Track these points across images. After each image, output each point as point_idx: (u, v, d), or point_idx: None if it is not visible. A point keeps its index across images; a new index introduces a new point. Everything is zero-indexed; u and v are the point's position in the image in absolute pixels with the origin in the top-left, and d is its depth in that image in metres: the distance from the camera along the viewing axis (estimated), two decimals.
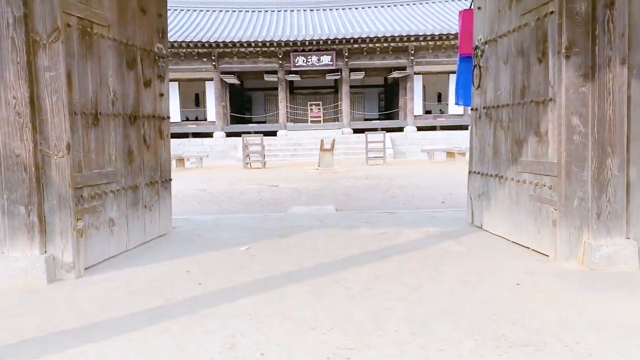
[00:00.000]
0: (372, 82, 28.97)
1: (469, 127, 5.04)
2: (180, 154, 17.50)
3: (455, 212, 5.88)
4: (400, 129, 23.29)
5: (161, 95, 4.81)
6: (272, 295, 2.88)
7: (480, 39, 4.65)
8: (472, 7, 5.70)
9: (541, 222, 3.63)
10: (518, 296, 2.76)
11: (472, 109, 4.94)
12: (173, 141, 22.10)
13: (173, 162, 16.70)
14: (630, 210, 3.30)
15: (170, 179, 5.08)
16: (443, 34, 21.19)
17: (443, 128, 23.82)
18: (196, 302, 2.81)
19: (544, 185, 3.58)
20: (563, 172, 3.29)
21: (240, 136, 23.61)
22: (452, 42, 21.97)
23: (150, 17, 4.56)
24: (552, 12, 3.42)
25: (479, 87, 4.67)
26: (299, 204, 7.59)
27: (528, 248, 3.82)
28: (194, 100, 28.24)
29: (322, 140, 14.19)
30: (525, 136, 3.86)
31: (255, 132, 23.85)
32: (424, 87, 24.84)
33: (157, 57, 4.69)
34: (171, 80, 23.87)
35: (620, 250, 3.21)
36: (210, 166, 18.39)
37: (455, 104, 6.09)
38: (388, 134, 21.27)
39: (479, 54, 4.66)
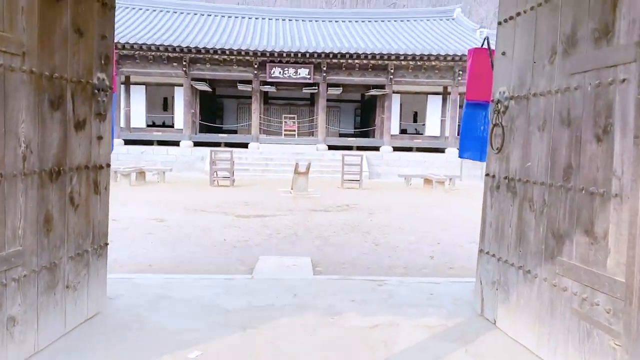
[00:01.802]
0: (349, 97, 28.25)
1: (483, 195, 4.16)
2: (141, 167, 16.23)
3: (454, 284, 4.98)
4: (376, 148, 22.56)
5: (100, 138, 3.76)
6: None
7: (504, 92, 3.78)
8: (484, 46, 4.88)
9: (591, 351, 2.75)
10: None
11: (487, 174, 4.06)
12: (135, 148, 20.88)
13: (133, 176, 15.50)
14: None
15: (107, 244, 4.02)
16: (424, 55, 20.59)
17: (419, 150, 23.21)
18: None
19: (597, 304, 2.70)
20: (635, 301, 2.41)
21: (209, 146, 22.52)
22: (433, 63, 21.47)
23: (89, 40, 3.52)
24: (623, 80, 2.56)
25: (500, 151, 3.80)
26: (269, 251, 6.61)
27: None
28: (163, 104, 26.90)
29: (297, 163, 13.23)
30: (568, 230, 2.99)
31: (226, 144, 22.78)
32: (400, 105, 24.21)
33: (96, 90, 3.64)
34: (138, 83, 22.65)
35: None
36: (174, 180, 17.17)
37: (460, 157, 5.22)
38: (364, 153, 20.52)
39: (501, 109, 3.80)
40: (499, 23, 3.97)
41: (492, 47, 4.72)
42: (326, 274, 5.54)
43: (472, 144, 4.95)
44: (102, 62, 3.72)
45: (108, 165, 3.96)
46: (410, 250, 7.04)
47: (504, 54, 3.85)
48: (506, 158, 3.75)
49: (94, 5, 3.55)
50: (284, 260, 6.08)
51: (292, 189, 13.92)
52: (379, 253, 6.83)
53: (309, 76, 21.84)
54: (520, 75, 3.58)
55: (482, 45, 4.92)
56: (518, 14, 3.64)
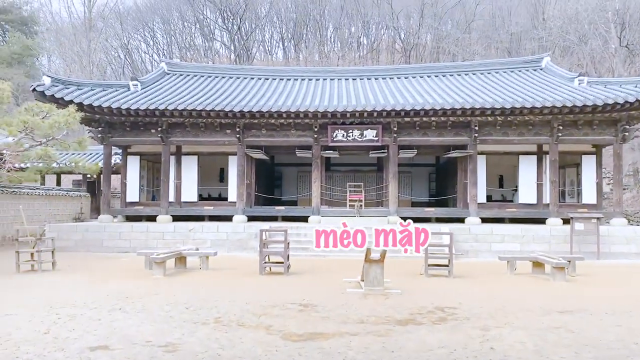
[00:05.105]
0: (422, 161, 25.13)
1: None
2: (180, 251, 13.58)
3: None
4: (460, 220, 19.00)
5: None
6: None
7: None
8: None
9: None
10: None
11: None
12: (183, 225, 18.47)
13: (171, 262, 12.95)
14: None
15: None
16: (516, 108, 17.26)
17: (512, 221, 19.38)
18: None
19: None
20: None
21: (265, 221, 19.84)
22: (526, 118, 18.11)
23: None
24: None
25: None
26: None
27: None
28: (219, 175, 24.94)
29: (368, 249, 10.04)
30: None
31: (283, 217, 20.07)
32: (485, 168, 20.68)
33: None
34: (190, 153, 20.66)
35: None
36: (222, 263, 14.31)
37: None
38: (447, 227, 17.05)
39: None
40: None
41: None
42: None
43: None
44: None
45: None
46: None
47: None
48: None
49: None
50: None
51: (362, 280, 10.67)
52: None
53: (376, 138, 19.02)
54: None
55: None
56: None
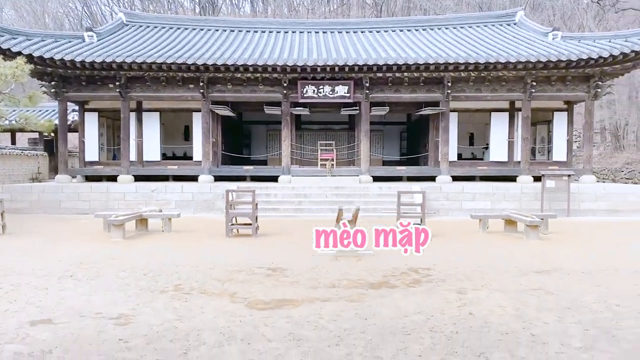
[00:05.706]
0: (394, 119, 24.62)
1: None
2: (140, 212, 12.82)
3: None
4: (431, 178, 18.73)
5: None
6: None
7: None
8: None
9: None
10: None
11: None
12: (146, 186, 17.64)
13: (131, 224, 12.23)
14: None
15: None
16: (490, 62, 16.76)
17: (483, 178, 19.26)
18: None
19: None
20: None
21: (233, 181, 19.19)
22: (500, 73, 17.64)
23: None
24: None
25: None
26: None
27: None
28: (184, 133, 23.91)
29: (340, 210, 9.54)
30: None
31: (252, 177, 19.42)
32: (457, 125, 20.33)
33: None
34: (151, 110, 19.54)
35: None
36: (186, 225, 13.69)
37: None
38: (419, 186, 16.80)
39: None
40: None
41: None
42: None
43: None
44: None
45: None
46: None
47: None
48: None
49: None
50: None
51: None
52: None
53: (348, 94, 18.32)
54: None
55: None
56: None
